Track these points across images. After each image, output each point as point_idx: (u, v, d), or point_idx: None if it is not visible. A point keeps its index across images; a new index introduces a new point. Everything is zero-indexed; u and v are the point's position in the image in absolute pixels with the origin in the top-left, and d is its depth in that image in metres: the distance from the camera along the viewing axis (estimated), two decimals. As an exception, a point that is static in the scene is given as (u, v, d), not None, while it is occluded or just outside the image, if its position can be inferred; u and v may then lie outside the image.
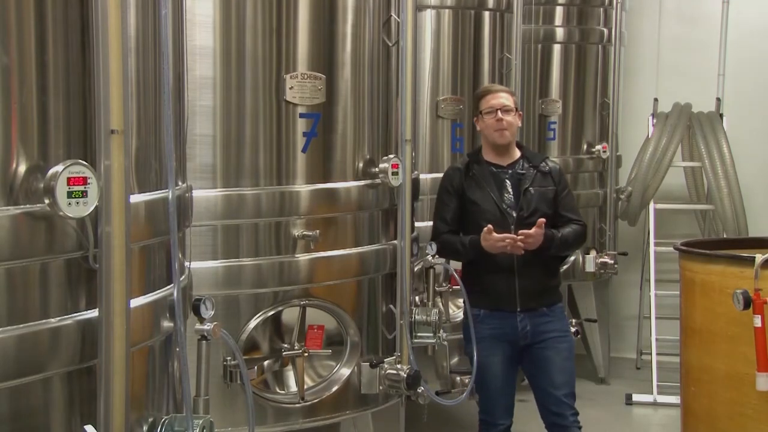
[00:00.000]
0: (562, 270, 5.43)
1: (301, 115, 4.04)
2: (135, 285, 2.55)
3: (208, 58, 3.88)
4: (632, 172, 7.91)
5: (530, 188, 4.83)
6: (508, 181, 4.86)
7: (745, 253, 4.69)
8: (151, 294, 2.72)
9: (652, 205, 7.89)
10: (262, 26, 3.97)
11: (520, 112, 5.00)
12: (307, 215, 4.08)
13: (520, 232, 4.68)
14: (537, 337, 4.79)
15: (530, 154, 5.01)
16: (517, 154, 4.94)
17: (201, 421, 2.81)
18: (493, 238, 4.65)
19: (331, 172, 4.18)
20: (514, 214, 4.78)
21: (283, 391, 4.15)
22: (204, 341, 3.09)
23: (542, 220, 4.68)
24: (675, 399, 6.35)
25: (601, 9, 7.79)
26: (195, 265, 3.43)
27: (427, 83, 5.89)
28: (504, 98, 4.86)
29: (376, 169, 4.35)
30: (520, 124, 4.97)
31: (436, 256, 5.32)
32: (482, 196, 4.83)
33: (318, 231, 4.04)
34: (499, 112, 4.81)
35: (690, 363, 5.08)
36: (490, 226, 4.66)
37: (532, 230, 4.66)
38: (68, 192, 2.27)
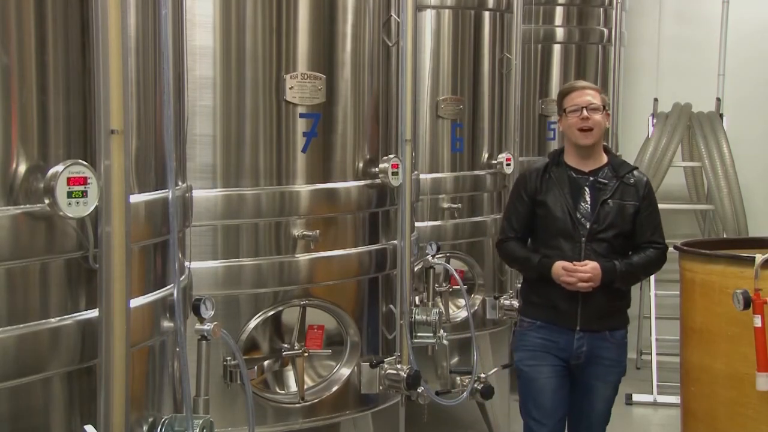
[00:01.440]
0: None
1: (301, 115, 4.04)
2: (135, 285, 2.55)
3: (208, 58, 3.88)
4: (632, 172, 7.89)
5: (609, 200, 4.38)
6: (587, 189, 4.41)
7: (745, 253, 4.69)
8: (151, 294, 2.72)
9: (652, 205, 7.88)
10: (262, 26, 3.97)
11: (608, 112, 4.54)
12: (307, 215, 4.08)
13: (573, 270, 4.30)
14: (591, 360, 4.43)
15: (616, 163, 4.51)
16: (603, 160, 4.48)
17: (201, 421, 2.81)
18: (561, 270, 4.31)
19: (331, 172, 4.17)
20: (588, 226, 4.36)
21: (283, 391, 4.15)
22: (204, 341, 3.09)
23: (594, 264, 4.29)
24: (675, 399, 6.35)
25: (601, 9, 7.80)
26: (195, 265, 3.43)
27: (427, 83, 5.89)
28: (591, 95, 4.41)
29: (376, 169, 4.34)
30: (608, 125, 4.56)
31: (437, 256, 5.34)
32: (555, 202, 4.40)
33: (318, 231, 4.04)
34: (584, 110, 4.36)
35: (690, 363, 5.08)
36: (566, 264, 4.30)
37: (588, 266, 4.30)
38: (68, 192, 2.27)
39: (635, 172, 4.51)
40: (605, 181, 4.42)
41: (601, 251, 4.36)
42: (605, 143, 4.56)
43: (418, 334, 4.87)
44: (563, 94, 4.53)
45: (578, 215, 4.37)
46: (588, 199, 4.40)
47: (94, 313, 2.42)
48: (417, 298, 5.28)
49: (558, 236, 4.39)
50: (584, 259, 4.34)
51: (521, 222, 4.51)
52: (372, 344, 4.39)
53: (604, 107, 4.43)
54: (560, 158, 4.50)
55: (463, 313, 5.84)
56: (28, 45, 2.28)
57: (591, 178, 4.43)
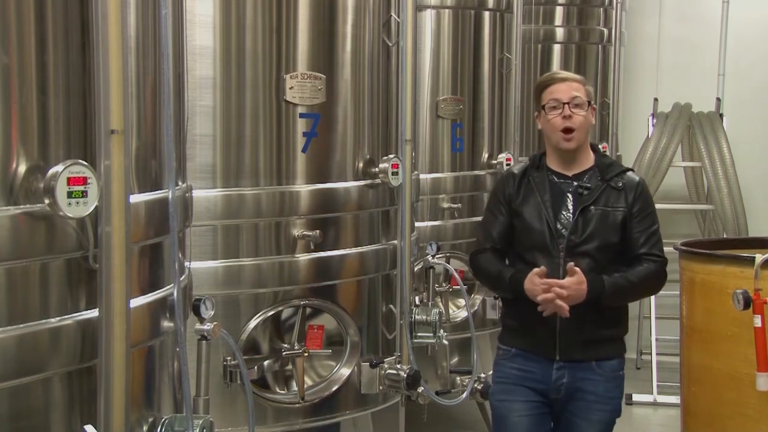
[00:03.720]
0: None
1: (301, 115, 4.04)
2: (135, 285, 2.55)
3: (208, 58, 3.88)
4: (632, 172, 7.90)
5: (591, 207, 3.77)
6: (569, 196, 3.81)
7: (745, 253, 4.69)
8: (151, 294, 2.71)
9: (652, 205, 7.88)
10: (262, 26, 3.97)
11: (594, 106, 3.88)
12: (307, 215, 4.08)
13: (552, 285, 3.65)
14: (572, 395, 3.80)
15: (604, 164, 3.87)
16: (590, 161, 3.86)
17: (201, 421, 2.81)
18: (537, 285, 3.67)
19: (331, 172, 4.17)
20: (566, 238, 3.76)
21: (283, 391, 4.15)
22: (204, 341, 3.09)
23: (573, 267, 3.65)
24: (675, 399, 6.36)
25: (601, 9, 7.81)
26: (195, 265, 3.43)
27: (427, 83, 5.89)
28: (575, 89, 3.79)
29: (376, 169, 4.35)
30: (593, 122, 3.88)
31: (437, 256, 5.34)
32: (532, 211, 3.81)
33: (318, 231, 4.04)
34: (567, 107, 3.75)
35: (690, 363, 5.08)
36: (543, 268, 3.68)
37: (567, 281, 3.65)
38: (68, 192, 2.27)
39: (628, 174, 3.90)
40: (588, 185, 3.82)
41: (583, 267, 3.71)
42: (593, 142, 4.00)
43: (418, 334, 4.86)
44: (541, 87, 3.88)
45: (558, 226, 3.78)
46: (570, 207, 3.81)
47: (94, 313, 2.41)
48: (417, 298, 5.28)
49: (534, 250, 3.80)
50: (563, 277, 3.71)
51: (500, 231, 3.90)
52: (372, 344, 4.39)
53: (589, 102, 3.82)
54: (541, 161, 3.91)
55: (463, 313, 5.85)
56: (28, 45, 2.28)
57: (575, 183, 3.84)
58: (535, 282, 3.68)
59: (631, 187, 3.83)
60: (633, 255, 3.82)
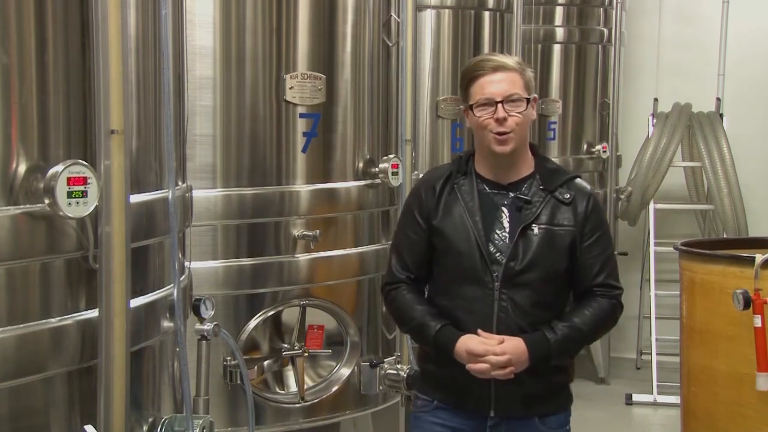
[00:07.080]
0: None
1: (301, 115, 4.04)
2: (135, 285, 2.55)
3: (208, 58, 3.89)
4: (632, 172, 7.91)
5: (533, 226, 3.03)
6: (505, 211, 3.07)
7: (745, 253, 4.69)
8: (151, 294, 2.72)
9: (652, 205, 7.89)
10: (262, 26, 3.97)
11: (536, 96, 3.09)
12: (307, 215, 4.08)
13: (488, 352, 2.96)
14: None
15: (547, 170, 3.11)
16: (530, 166, 3.11)
17: (201, 421, 2.81)
18: (465, 354, 2.99)
19: (331, 172, 4.18)
20: (503, 265, 3.02)
21: (283, 391, 4.16)
22: (204, 341, 3.09)
23: (500, 340, 2.97)
24: (675, 399, 6.35)
25: (601, 9, 7.80)
26: (195, 265, 3.43)
27: (427, 83, 5.89)
28: (510, 80, 3.00)
29: (376, 169, 4.35)
30: (535, 117, 3.11)
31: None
32: (457, 230, 3.06)
33: (318, 231, 4.05)
34: (500, 107, 2.99)
35: (690, 363, 5.08)
36: (479, 331, 2.99)
37: (505, 346, 2.96)
38: (68, 192, 2.27)
39: (576, 182, 3.13)
40: (528, 197, 3.07)
41: (521, 302, 3.02)
42: (533, 142, 3.20)
43: (418, 334, 4.86)
44: (468, 78, 3.07)
45: (492, 249, 3.03)
46: (506, 225, 3.05)
47: (94, 313, 2.42)
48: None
49: (462, 281, 3.06)
50: (497, 313, 3.02)
51: (417, 257, 3.15)
52: (372, 344, 4.39)
53: (528, 96, 3.04)
54: (469, 165, 3.14)
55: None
56: (28, 45, 2.28)
57: (511, 195, 3.08)
58: (464, 356, 2.99)
59: (581, 200, 3.08)
60: (584, 286, 3.10)
